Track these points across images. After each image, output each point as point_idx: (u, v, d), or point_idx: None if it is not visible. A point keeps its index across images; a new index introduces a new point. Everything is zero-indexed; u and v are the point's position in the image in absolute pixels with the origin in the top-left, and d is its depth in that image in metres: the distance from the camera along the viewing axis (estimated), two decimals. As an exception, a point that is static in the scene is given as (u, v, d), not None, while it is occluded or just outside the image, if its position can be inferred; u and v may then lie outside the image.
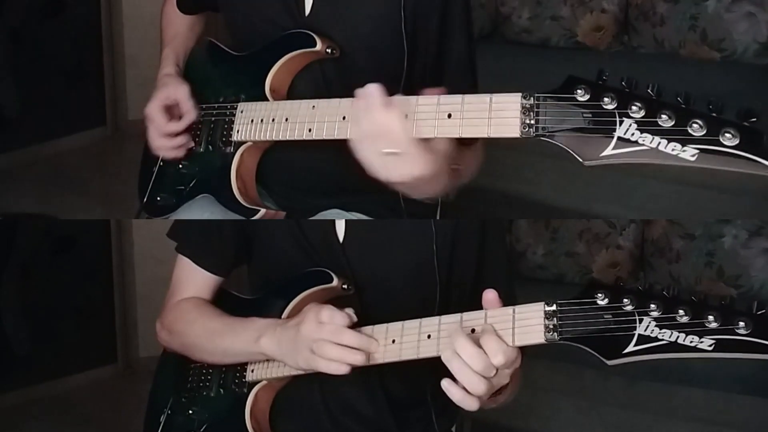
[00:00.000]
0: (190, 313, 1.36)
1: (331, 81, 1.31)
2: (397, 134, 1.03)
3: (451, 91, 1.07)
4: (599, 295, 0.96)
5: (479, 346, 1.00)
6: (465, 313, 1.06)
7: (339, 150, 1.31)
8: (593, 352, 0.96)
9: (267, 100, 1.28)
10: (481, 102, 1.02)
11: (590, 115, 0.94)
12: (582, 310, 0.97)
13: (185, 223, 1.39)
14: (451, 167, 1.13)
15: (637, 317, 0.93)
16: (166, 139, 1.36)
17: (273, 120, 1.24)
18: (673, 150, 0.90)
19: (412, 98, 1.06)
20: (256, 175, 1.34)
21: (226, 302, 1.38)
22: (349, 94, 1.15)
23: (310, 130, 1.18)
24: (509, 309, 1.03)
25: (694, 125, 0.88)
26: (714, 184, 2.44)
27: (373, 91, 1.04)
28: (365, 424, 1.31)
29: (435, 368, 1.07)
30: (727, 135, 0.87)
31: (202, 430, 1.33)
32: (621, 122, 0.92)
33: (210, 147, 1.34)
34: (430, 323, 1.09)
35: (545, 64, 3.03)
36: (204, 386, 1.35)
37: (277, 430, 1.31)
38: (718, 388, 2.43)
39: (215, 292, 1.40)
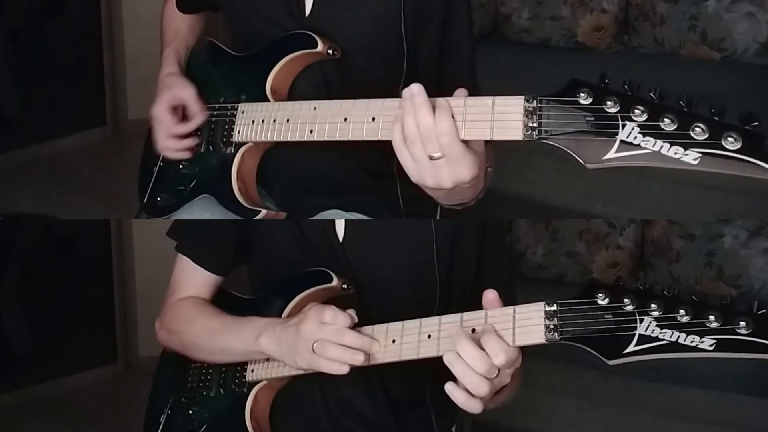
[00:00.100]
0: (189, 312, 1.36)
1: (331, 82, 1.31)
2: (447, 136, 1.01)
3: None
4: (600, 295, 0.96)
5: (480, 347, 1.00)
6: (465, 313, 1.06)
7: (339, 151, 1.31)
8: (594, 352, 0.96)
9: (268, 100, 1.28)
10: (483, 105, 1.02)
11: (593, 119, 0.94)
12: (582, 310, 0.97)
13: (185, 222, 1.39)
14: (487, 169, 1.12)
15: (637, 317, 0.93)
16: (173, 140, 1.36)
17: (274, 121, 1.24)
18: (675, 153, 0.90)
19: (459, 99, 1.04)
20: (256, 175, 1.34)
21: (226, 302, 1.38)
22: (350, 94, 1.15)
23: (311, 131, 1.18)
24: (509, 309, 1.03)
25: (697, 129, 0.88)
26: (714, 184, 2.45)
27: (417, 91, 1.02)
28: (365, 424, 1.31)
29: (434, 369, 1.07)
30: (729, 139, 0.87)
31: (202, 430, 1.33)
32: (623, 126, 0.92)
33: (210, 147, 1.34)
34: (430, 323, 1.09)
35: (545, 64, 3.03)
36: (204, 386, 1.35)
37: (277, 430, 1.31)
38: (718, 388, 2.43)
39: (215, 292, 1.40)
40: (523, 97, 0.99)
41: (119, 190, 3.12)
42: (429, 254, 1.26)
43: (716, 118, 0.88)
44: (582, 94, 0.94)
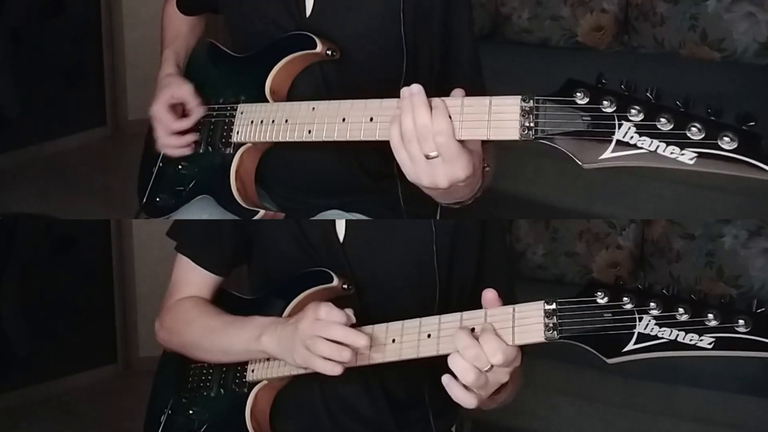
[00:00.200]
0: (189, 312, 1.36)
1: (331, 82, 1.31)
2: (443, 136, 1.01)
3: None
4: (599, 293, 0.96)
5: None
6: (465, 312, 1.06)
7: (339, 151, 1.31)
8: (593, 351, 0.96)
9: (267, 101, 1.29)
10: (480, 104, 1.02)
11: (589, 119, 0.94)
12: (582, 309, 0.97)
13: (185, 222, 1.39)
14: (484, 168, 1.13)
15: (636, 316, 0.94)
16: (173, 137, 1.36)
17: (273, 121, 1.24)
18: (671, 153, 0.90)
19: (456, 99, 1.04)
20: (255, 175, 1.35)
21: (226, 302, 1.38)
22: (350, 95, 1.16)
23: (309, 132, 1.18)
24: (509, 308, 1.03)
25: (693, 129, 0.89)
26: (714, 184, 2.45)
27: (416, 90, 1.03)
28: (365, 424, 1.31)
29: (433, 369, 1.07)
30: (726, 139, 0.87)
31: (202, 430, 1.33)
32: (620, 125, 0.92)
33: (210, 148, 1.34)
34: (429, 323, 1.09)
35: (545, 64, 3.03)
36: (204, 386, 1.35)
37: (277, 430, 1.31)
38: (718, 388, 2.43)
39: (215, 292, 1.40)
40: (519, 97, 0.99)
41: (119, 190, 3.13)
42: (429, 254, 1.26)
43: (713, 118, 0.88)
44: (579, 94, 0.95)
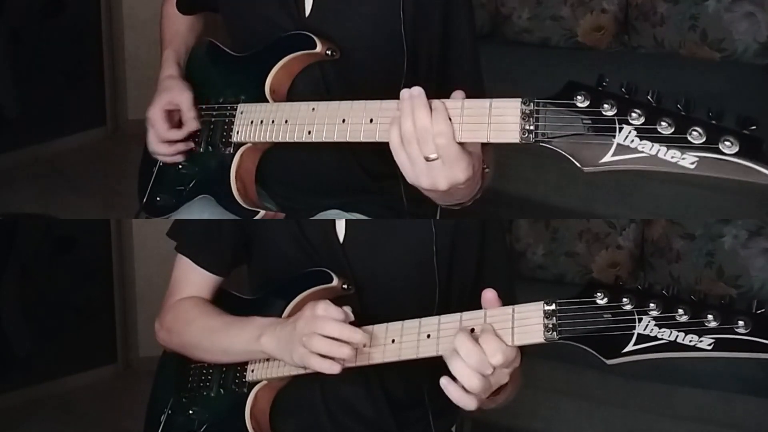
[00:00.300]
0: (189, 313, 1.36)
1: (330, 82, 1.31)
2: (443, 138, 1.01)
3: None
4: (599, 294, 0.96)
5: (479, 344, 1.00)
6: (464, 313, 1.06)
7: (339, 151, 1.31)
8: (592, 352, 0.96)
9: (267, 101, 1.29)
10: (480, 107, 1.02)
11: (590, 122, 0.94)
12: (581, 310, 0.97)
13: (185, 222, 1.39)
14: (483, 170, 1.12)
15: (636, 316, 0.93)
16: (164, 145, 1.36)
17: (273, 121, 1.24)
18: (672, 157, 0.90)
19: (457, 101, 1.04)
20: (255, 175, 1.35)
21: (226, 302, 1.38)
22: (350, 95, 1.15)
23: (309, 132, 1.18)
24: (508, 308, 1.03)
25: (694, 133, 0.88)
26: (714, 184, 2.43)
27: (416, 92, 1.03)
28: (365, 424, 1.31)
29: (433, 369, 1.07)
30: (727, 143, 0.87)
31: (202, 430, 1.33)
32: (620, 129, 0.92)
33: (210, 148, 1.35)
34: (429, 323, 1.09)
35: (545, 64, 3.03)
36: (204, 386, 1.35)
37: (277, 430, 1.31)
38: (718, 388, 2.43)
39: (215, 292, 1.40)
40: (520, 99, 0.98)
41: (119, 190, 3.14)
42: (429, 254, 1.26)
43: (714, 121, 0.88)
44: (579, 97, 0.94)
